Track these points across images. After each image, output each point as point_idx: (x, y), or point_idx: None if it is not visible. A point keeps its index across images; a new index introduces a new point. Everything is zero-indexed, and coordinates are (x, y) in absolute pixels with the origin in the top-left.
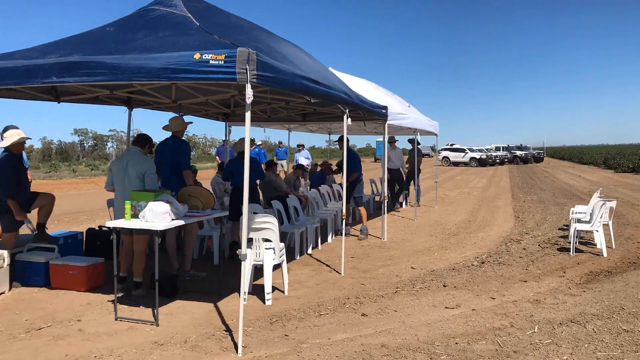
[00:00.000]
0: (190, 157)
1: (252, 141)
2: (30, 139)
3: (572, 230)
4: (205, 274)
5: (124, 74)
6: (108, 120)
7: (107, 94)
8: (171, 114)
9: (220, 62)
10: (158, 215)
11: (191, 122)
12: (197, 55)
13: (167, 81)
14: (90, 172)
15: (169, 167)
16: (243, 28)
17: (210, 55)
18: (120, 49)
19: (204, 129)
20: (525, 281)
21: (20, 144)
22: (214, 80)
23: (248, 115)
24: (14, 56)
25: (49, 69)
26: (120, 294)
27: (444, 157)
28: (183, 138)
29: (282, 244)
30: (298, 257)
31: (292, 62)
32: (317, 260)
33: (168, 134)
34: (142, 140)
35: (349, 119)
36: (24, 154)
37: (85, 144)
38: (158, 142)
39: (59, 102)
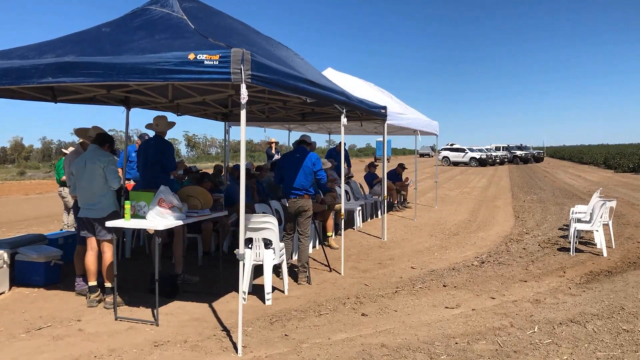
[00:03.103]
0: (174, 157)
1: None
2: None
3: (572, 230)
4: (199, 278)
5: (119, 74)
6: (108, 121)
7: (104, 94)
8: (169, 114)
9: (214, 62)
10: (160, 215)
11: (174, 123)
12: (191, 56)
13: (162, 81)
14: None
15: (152, 168)
16: (238, 30)
17: (205, 55)
18: (115, 50)
19: (203, 129)
20: (525, 281)
21: None
22: (208, 80)
23: (243, 114)
24: (11, 54)
25: (44, 69)
26: (96, 302)
27: (444, 157)
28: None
29: (282, 244)
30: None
31: (287, 64)
32: (317, 260)
33: None
34: (101, 139)
35: (346, 119)
36: None
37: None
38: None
39: (55, 102)
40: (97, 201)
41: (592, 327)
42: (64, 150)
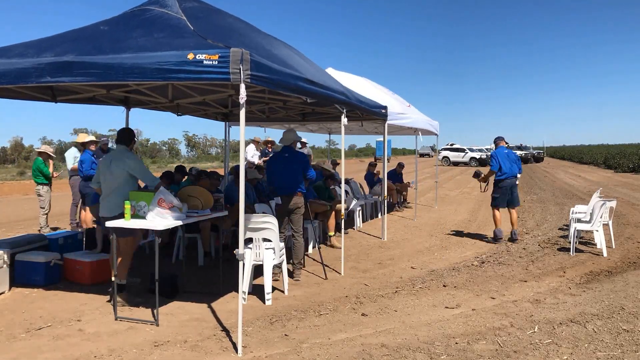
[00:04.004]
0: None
1: None
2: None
3: (572, 230)
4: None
5: (118, 74)
6: (108, 120)
7: (104, 94)
8: (169, 114)
9: (214, 62)
10: (159, 215)
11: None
12: (190, 56)
13: (162, 81)
14: None
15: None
16: (238, 30)
17: (204, 55)
18: (114, 49)
19: (203, 129)
20: (525, 281)
21: None
22: (208, 80)
23: (242, 114)
24: (10, 53)
25: (43, 69)
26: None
27: (444, 157)
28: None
29: (282, 244)
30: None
31: (287, 63)
32: (317, 260)
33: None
34: (126, 137)
35: (346, 119)
36: None
37: None
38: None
39: (55, 102)
40: (110, 200)
41: (592, 327)
42: (37, 149)
